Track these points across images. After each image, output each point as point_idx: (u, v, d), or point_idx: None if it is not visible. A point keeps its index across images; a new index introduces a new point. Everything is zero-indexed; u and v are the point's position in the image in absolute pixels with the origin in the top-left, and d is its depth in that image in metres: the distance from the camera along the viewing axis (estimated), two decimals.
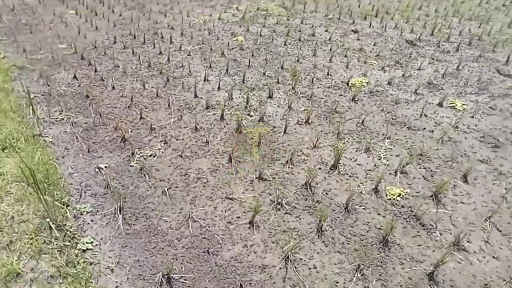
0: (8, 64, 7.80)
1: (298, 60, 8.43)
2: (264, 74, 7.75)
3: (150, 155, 5.21)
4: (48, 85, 7.00)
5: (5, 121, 5.50)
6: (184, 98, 6.80)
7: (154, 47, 9.03)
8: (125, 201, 4.36)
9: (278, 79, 7.49)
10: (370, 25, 11.04)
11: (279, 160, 5.17)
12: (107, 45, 9.11)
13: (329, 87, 7.29)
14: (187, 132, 5.75)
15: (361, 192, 4.55)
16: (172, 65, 8.20)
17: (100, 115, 6.11)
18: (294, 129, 5.89)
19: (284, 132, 5.76)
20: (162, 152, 5.27)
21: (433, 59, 8.71)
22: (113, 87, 7.07)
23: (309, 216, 4.24)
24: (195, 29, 10.48)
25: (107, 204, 4.35)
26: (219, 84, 7.17)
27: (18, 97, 6.42)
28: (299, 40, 9.75)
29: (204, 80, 7.47)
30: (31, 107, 5.64)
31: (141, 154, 5.23)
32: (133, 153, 5.22)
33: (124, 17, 11.33)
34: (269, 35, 10.11)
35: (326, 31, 10.53)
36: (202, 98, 6.79)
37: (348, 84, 7.36)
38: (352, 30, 10.40)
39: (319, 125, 6.02)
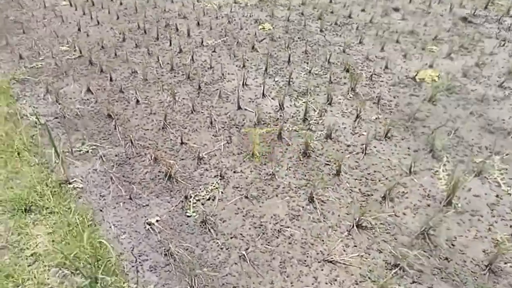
0: (6, 78, 6.58)
1: (344, 51, 7.29)
2: (310, 72, 6.63)
3: (208, 199, 4.18)
4: (59, 103, 5.84)
5: (20, 167, 4.39)
6: (226, 111, 5.70)
7: (170, 44, 7.78)
8: (196, 275, 3.36)
9: (330, 77, 6.38)
10: (410, 1, 9.81)
11: (372, 195, 4.17)
12: (116, 44, 7.85)
13: (393, 85, 6.21)
14: (244, 161, 4.70)
15: (498, 241, 3.58)
16: (198, 66, 7.02)
17: (132, 142, 5.02)
18: (374, 147, 4.86)
19: (364, 153, 4.74)
20: (222, 193, 4.23)
21: (502, 39, 7.59)
22: (138, 101, 5.92)
23: (445, 283, 3.28)
24: (211, 16, 9.19)
25: (174, 282, 3.35)
26: (262, 90, 6.06)
27: (28, 125, 5.28)
28: (336, 24, 8.55)
29: (243, 85, 6.34)
30: (53, 148, 4.50)
31: (196, 198, 4.19)
32: (186, 197, 4.18)
33: (126, 6, 9.94)
34: (298, 19, 8.86)
35: (363, 10, 9.28)
36: (247, 109, 5.70)
37: (415, 80, 6.29)
38: (393, 8, 9.19)
39: (402, 139, 4.99)
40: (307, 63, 6.99)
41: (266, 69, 6.70)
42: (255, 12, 9.36)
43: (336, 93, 6.02)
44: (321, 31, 8.20)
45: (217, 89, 6.25)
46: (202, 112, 5.67)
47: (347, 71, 6.58)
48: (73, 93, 6.20)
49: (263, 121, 5.42)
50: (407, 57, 6.96)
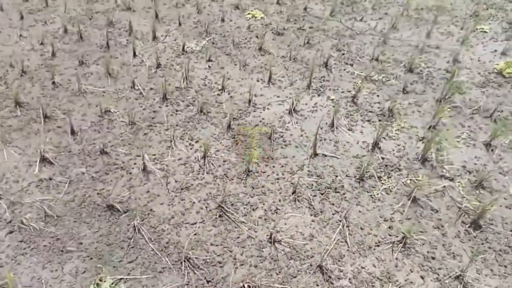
0: None
1: (384, 42, 5.74)
2: (366, 78, 4.95)
3: None
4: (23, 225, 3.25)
5: None
6: (296, 163, 3.78)
7: (135, 55, 5.32)
8: None
9: (404, 86, 4.78)
10: None
11: None
12: (46, 63, 5.10)
13: (483, 86, 4.93)
14: None
15: None
16: (200, 87, 4.81)
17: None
18: None
19: None
20: None
21: None
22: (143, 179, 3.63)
23: None
24: (168, 5, 6.74)
25: None
26: (332, 121, 4.21)
27: None
28: (342, 4, 6.90)
29: (290, 113, 4.41)
30: None
31: None
32: None
33: None
34: (290, 0, 6.99)
35: None
36: (329, 155, 3.85)
37: (502, 75, 5.09)
38: None
39: None
40: (351, 64, 5.30)
41: (309, 84, 4.82)
42: None
43: (421, 108, 4.51)
44: (331, 15, 6.50)
45: (256, 125, 4.24)
46: (266, 183, 3.66)
47: (410, 71, 5.09)
48: (33, 203, 3.59)
49: (379, 177, 3.66)
50: (464, 43, 5.74)
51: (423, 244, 3.15)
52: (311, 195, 3.50)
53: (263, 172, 3.75)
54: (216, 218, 3.34)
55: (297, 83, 4.96)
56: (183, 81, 4.95)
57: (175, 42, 5.71)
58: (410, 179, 3.61)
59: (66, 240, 3.21)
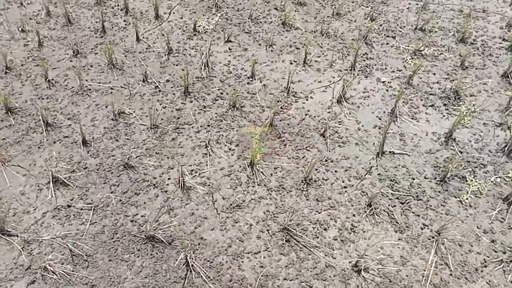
0: None
1: (423, 6, 5.11)
2: (416, 53, 4.36)
3: None
4: None
5: None
6: (361, 170, 3.26)
7: (138, 38, 4.56)
8: None
9: (462, 62, 4.23)
10: None
11: None
12: (33, 55, 4.31)
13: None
14: None
15: None
16: (227, 76, 4.15)
17: None
18: None
19: None
20: None
21: None
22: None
23: None
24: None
25: None
26: (392, 109, 3.63)
27: None
28: None
29: (339, 101, 3.80)
30: None
31: None
32: None
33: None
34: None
35: None
36: None
37: None
38: None
39: None
40: (393, 37, 4.69)
41: (353, 62, 4.21)
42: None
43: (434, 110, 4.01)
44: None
45: (303, 119, 3.66)
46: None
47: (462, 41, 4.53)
48: None
49: (463, 177, 3.17)
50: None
51: None
52: (389, 205, 3.02)
53: (325, 180, 3.23)
54: (282, 243, 2.83)
55: (337, 63, 4.36)
56: (204, 68, 4.28)
57: (182, 21, 4.96)
58: (500, 177, 3.16)
59: (103, 286, 2.66)
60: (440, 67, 4.28)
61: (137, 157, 3.39)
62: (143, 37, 4.69)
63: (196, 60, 4.41)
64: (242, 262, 2.75)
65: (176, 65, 4.35)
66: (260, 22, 4.96)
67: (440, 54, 4.41)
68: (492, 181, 3.12)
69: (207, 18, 4.98)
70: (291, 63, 4.38)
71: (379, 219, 2.94)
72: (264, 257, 2.76)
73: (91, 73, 4.22)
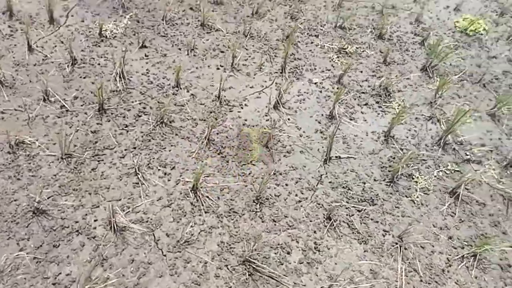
0: None
1: (338, 4, 5.07)
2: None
3: None
4: None
5: None
6: (312, 179, 3.02)
7: (16, 46, 3.75)
8: None
9: (384, 57, 4.23)
10: None
11: None
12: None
13: (455, 48, 4.64)
14: None
15: None
16: (139, 83, 3.59)
17: None
18: None
19: None
20: None
21: None
22: None
23: None
24: None
25: None
26: (331, 112, 3.44)
27: None
28: None
29: (275, 107, 3.51)
30: None
31: None
32: None
33: None
34: None
35: None
36: None
37: (467, 33, 4.87)
38: None
39: None
40: (316, 35, 4.55)
41: (283, 64, 3.93)
42: None
43: None
44: None
45: (241, 130, 3.29)
46: None
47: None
48: None
49: (409, 175, 3.08)
50: (417, 2, 5.40)
51: (492, 251, 2.80)
52: (348, 215, 2.85)
53: (278, 196, 2.94)
54: (246, 279, 2.46)
55: (266, 66, 4.10)
56: (119, 80, 3.68)
57: (84, 25, 4.22)
58: (441, 171, 3.21)
59: None
60: (365, 65, 4.28)
61: (49, 197, 2.72)
62: (37, 46, 3.87)
63: (107, 70, 3.77)
64: None
65: (84, 77, 3.66)
66: (176, 24, 4.46)
67: (363, 51, 4.42)
68: (435, 176, 3.17)
69: (114, 21, 4.32)
70: (217, 68, 3.99)
71: (340, 232, 2.75)
72: None
73: None
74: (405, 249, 2.68)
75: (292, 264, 2.56)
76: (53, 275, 2.36)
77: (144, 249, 2.53)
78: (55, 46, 3.91)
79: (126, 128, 3.27)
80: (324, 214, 2.83)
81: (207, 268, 2.48)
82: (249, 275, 2.46)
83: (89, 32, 4.13)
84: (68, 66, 3.72)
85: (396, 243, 2.71)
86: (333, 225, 2.77)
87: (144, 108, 3.47)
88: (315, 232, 2.73)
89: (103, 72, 3.74)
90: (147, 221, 2.67)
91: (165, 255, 2.51)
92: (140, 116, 3.39)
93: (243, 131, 3.37)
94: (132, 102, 3.50)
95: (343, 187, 3.02)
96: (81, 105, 3.40)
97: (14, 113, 3.25)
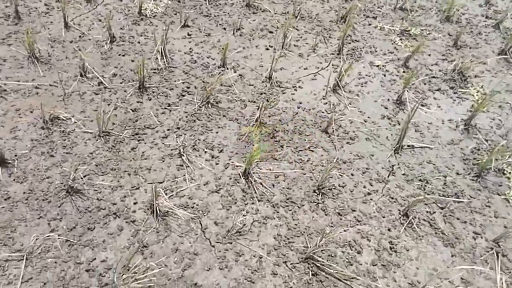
0: None
1: None
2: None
3: None
4: None
5: None
6: (382, 170, 2.66)
7: (52, 22, 3.59)
8: None
9: (455, 41, 3.82)
10: None
11: None
12: None
13: None
14: None
15: None
16: (182, 62, 3.35)
17: None
18: None
19: None
20: None
21: None
22: None
23: None
24: None
25: None
26: (399, 97, 3.10)
27: None
28: None
29: (334, 90, 3.19)
30: None
31: None
32: None
33: None
34: None
35: None
36: None
37: None
38: None
39: None
40: (373, 17, 4.21)
41: (341, 45, 3.60)
42: None
43: None
44: None
45: (296, 113, 2.98)
46: None
47: None
48: None
49: (500, 169, 2.68)
50: None
51: None
52: (428, 212, 2.47)
53: (342, 186, 2.60)
54: (309, 279, 2.13)
55: (321, 47, 3.79)
56: (160, 58, 3.45)
57: (123, 3, 4.04)
58: None
59: None
60: (433, 48, 3.88)
61: (84, 176, 2.49)
62: (74, 24, 3.71)
63: (148, 48, 3.55)
64: None
65: (123, 55, 3.46)
66: (220, 4, 4.22)
67: (429, 33, 4.04)
68: None
69: (154, 0, 4.14)
70: (266, 49, 3.71)
71: (421, 232, 2.38)
72: None
73: (4, 69, 3.19)
74: (503, 256, 2.27)
75: (363, 265, 2.19)
76: (86, 260, 2.10)
77: (190, 237, 2.24)
78: (93, 23, 3.75)
79: (168, 108, 3.02)
80: (399, 210, 2.46)
81: (263, 264, 2.16)
82: (312, 274, 2.11)
83: (128, 10, 3.95)
84: (106, 43, 3.53)
85: (491, 249, 2.30)
86: (412, 223, 2.39)
87: (188, 87, 3.22)
88: (389, 229, 2.36)
89: (143, 50, 3.52)
90: (192, 207, 2.38)
91: (213, 246, 2.21)
92: (183, 96, 3.14)
93: (298, 114, 3.06)
94: (175, 81, 3.26)
95: (420, 180, 2.64)
96: (120, 83, 3.19)
97: (49, 88, 3.07)
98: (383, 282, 2.12)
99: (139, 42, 3.65)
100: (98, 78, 3.19)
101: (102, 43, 3.55)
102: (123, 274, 2.02)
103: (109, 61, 3.41)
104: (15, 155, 2.56)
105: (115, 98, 3.06)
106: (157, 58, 3.43)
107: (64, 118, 2.83)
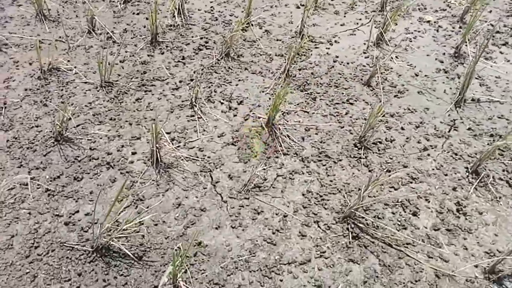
0: None
1: None
2: None
3: None
4: None
5: None
6: (440, 125, 2.19)
7: None
8: None
9: None
10: None
11: None
12: None
13: None
14: None
15: None
16: (201, 19, 3.03)
17: None
18: None
19: None
20: None
21: None
22: None
23: None
24: None
25: None
26: (458, 49, 2.65)
27: None
28: None
29: (376, 45, 2.77)
30: None
31: None
32: None
33: None
34: None
35: None
36: None
37: None
38: None
39: None
40: None
41: (383, 3, 3.21)
42: None
43: None
44: None
45: (332, 67, 2.57)
46: None
47: None
48: None
49: None
50: None
51: None
52: (504, 170, 1.96)
53: (391, 141, 2.14)
54: (348, 243, 1.67)
55: (359, 5, 3.37)
56: (177, 15, 3.15)
57: None
58: None
59: None
60: (493, 5, 3.39)
61: (78, 125, 2.16)
62: None
63: (164, 8, 3.27)
64: (281, 282, 1.57)
65: (137, 13, 3.18)
66: None
67: None
68: None
69: None
70: (297, 7, 3.34)
71: (497, 192, 1.87)
72: (320, 270, 1.59)
73: (10, 26, 2.98)
74: None
75: (421, 229, 1.70)
76: (67, 213, 1.73)
77: (197, 191, 1.83)
78: None
79: (183, 61, 2.67)
80: (467, 168, 1.95)
81: (287, 224, 1.71)
82: (353, 237, 1.65)
83: None
84: (120, 3, 3.28)
85: None
86: (484, 182, 1.88)
87: (207, 42, 2.87)
88: (454, 189, 1.85)
89: (160, 10, 3.23)
90: (203, 159, 1.99)
91: (225, 201, 1.79)
92: (200, 50, 2.79)
93: (335, 68, 2.63)
94: (192, 37, 2.92)
95: (491, 135, 2.13)
96: (131, 38, 2.89)
97: (54, 43, 2.82)
98: (449, 251, 1.62)
99: (155, 2, 3.39)
100: (107, 33, 2.92)
101: (116, 3, 3.30)
102: (109, 230, 1.64)
103: (122, 19, 3.13)
104: (4, 103, 2.28)
105: (123, 52, 2.74)
106: (174, 16, 3.14)
107: (65, 70, 2.54)
